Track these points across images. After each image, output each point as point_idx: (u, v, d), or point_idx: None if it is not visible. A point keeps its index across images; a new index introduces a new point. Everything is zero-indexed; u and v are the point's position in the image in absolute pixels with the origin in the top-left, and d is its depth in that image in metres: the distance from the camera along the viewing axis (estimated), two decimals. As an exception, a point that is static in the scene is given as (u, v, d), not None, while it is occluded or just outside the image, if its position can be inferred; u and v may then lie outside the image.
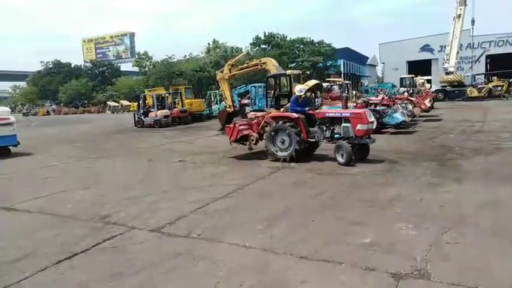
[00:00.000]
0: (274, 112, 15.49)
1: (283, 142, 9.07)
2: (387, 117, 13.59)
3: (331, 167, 8.17)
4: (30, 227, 5.25)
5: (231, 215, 5.37)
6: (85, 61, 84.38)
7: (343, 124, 8.60)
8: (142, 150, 12.88)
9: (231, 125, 10.28)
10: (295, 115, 8.96)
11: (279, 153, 9.06)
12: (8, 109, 14.70)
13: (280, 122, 9.09)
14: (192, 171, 8.81)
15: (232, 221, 5.07)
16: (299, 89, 9.71)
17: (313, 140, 9.09)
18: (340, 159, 8.34)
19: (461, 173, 7.15)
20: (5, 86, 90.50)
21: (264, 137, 9.47)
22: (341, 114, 8.76)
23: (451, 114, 20.33)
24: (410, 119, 14.88)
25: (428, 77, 41.00)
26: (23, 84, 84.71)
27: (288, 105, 10.92)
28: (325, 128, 8.95)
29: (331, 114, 8.97)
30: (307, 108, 9.28)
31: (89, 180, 8.13)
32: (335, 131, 8.80)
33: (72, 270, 3.80)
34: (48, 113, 61.28)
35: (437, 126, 15.36)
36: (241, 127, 10.02)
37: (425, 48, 53.80)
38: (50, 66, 77.12)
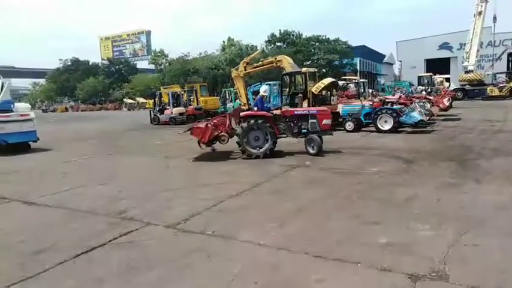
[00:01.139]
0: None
1: (257, 139, 9.44)
2: (404, 116, 13.37)
3: (346, 166, 8.10)
4: (50, 221, 5.36)
5: (245, 212, 5.37)
6: (102, 59, 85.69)
7: (310, 120, 9.74)
8: (158, 147, 13.02)
9: (202, 126, 9.97)
10: (268, 114, 9.65)
11: (254, 151, 9.37)
12: (28, 105, 15.07)
13: (259, 121, 9.40)
14: (206, 168, 8.85)
15: (246, 219, 5.07)
16: (264, 89, 10.64)
17: (283, 136, 9.92)
18: (311, 150, 9.49)
19: (481, 174, 6.98)
20: (25, 83, 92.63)
21: (238, 136, 9.48)
22: (308, 111, 10.09)
23: (471, 113, 19.87)
24: (428, 118, 14.60)
25: (447, 76, 40.27)
26: (42, 81, 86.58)
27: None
28: (292, 125, 9.89)
29: (299, 112, 10.15)
30: (272, 108, 10.36)
31: (105, 176, 8.26)
32: (302, 127, 9.84)
33: (90, 264, 3.87)
34: (66, 110, 62.53)
35: (456, 125, 15.04)
36: (212, 128, 9.92)
37: (444, 46, 52.72)
38: (69, 63, 78.55)
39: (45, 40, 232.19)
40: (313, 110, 10.28)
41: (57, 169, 9.48)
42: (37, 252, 4.19)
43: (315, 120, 9.72)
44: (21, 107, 13.92)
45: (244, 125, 9.39)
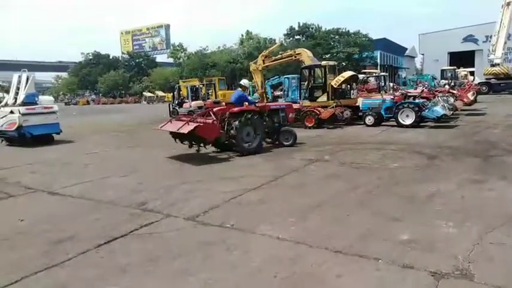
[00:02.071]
0: (308, 104, 15.41)
1: (248, 135, 9.26)
2: (427, 110, 13.06)
3: (366, 161, 7.98)
4: (73, 211, 5.49)
5: (264, 206, 5.36)
6: (122, 53, 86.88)
7: (281, 114, 10.39)
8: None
9: (209, 122, 8.87)
10: (257, 108, 9.72)
11: (246, 145, 9.19)
12: (52, 98, 15.45)
13: (250, 115, 9.23)
14: (225, 161, 8.88)
15: (265, 212, 5.07)
16: (247, 82, 10.91)
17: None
18: (286, 142, 10.13)
19: (507, 170, 6.75)
20: (48, 77, 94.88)
21: (232, 131, 8.99)
22: (280, 106, 10.86)
23: (496, 108, 19.24)
24: (451, 112, 14.23)
25: (472, 69, 39.06)
26: (64, 74, 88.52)
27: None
28: (267, 119, 10.16)
29: (274, 107, 10.66)
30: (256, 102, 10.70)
31: (126, 168, 8.40)
32: (275, 120, 10.29)
33: (112, 254, 3.94)
34: (88, 103, 63.79)
35: (480, 120, 14.59)
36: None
37: (469, 38, 50.99)
38: (90, 57, 80.00)
39: (67, 34, 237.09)
40: (283, 104, 11.36)
41: (79, 161, 9.69)
42: (61, 241, 4.29)
43: (284, 114, 10.43)
44: (45, 99, 14.28)
45: (236, 123, 8.96)
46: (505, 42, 33.23)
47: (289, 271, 3.44)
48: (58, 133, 13.32)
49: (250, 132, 9.32)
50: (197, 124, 8.53)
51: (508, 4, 32.13)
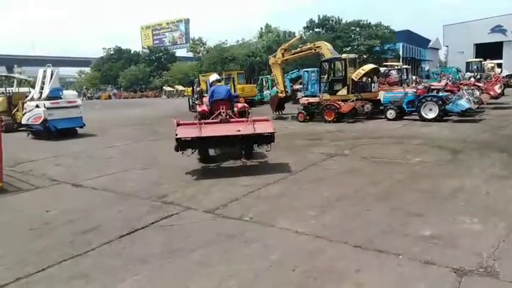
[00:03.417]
0: (327, 97, 15.23)
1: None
2: (451, 104, 12.70)
3: (386, 155, 7.85)
4: (96, 202, 5.63)
5: (283, 200, 5.36)
6: (143, 47, 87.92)
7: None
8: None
9: None
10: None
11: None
12: (75, 93, 15.84)
13: None
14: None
15: (284, 206, 5.06)
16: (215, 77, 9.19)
17: None
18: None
19: (536, 166, 6.52)
20: (72, 72, 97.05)
21: None
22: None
23: (524, 101, 18.55)
24: (477, 106, 13.79)
25: (499, 61, 37.69)
26: (87, 69, 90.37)
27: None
28: None
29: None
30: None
31: (147, 161, 8.54)
32: None
33: (133, 245, 4.03)
34: (109, 97, 65.00)
35: (507, 114, 14.12)
36: None
37: (496, 29, 49.11)
38: (111, 52, 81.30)
39: (90, 30, 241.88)
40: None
41: (101, 154, 9.91)
42: (85, 231, 4.42)
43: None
44: (69, 94, 14.66)
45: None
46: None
47: (308, 265, 3.43)
48: (81, 127, 13.64)
49: None
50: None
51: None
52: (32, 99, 13.81)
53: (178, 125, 7.09)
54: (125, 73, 72.18)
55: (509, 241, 3.71)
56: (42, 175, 7.46)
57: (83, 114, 13.76)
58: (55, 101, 12.99)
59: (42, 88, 13.64)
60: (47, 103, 12.73)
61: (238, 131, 6.89)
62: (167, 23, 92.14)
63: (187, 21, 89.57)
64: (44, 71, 13.71)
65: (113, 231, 4.34)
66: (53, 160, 9.19)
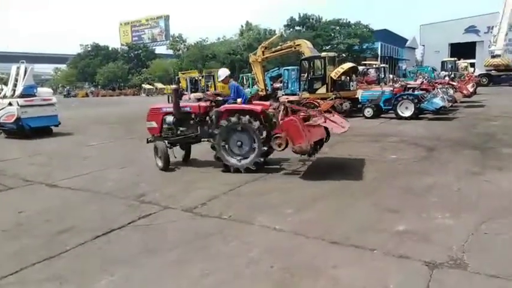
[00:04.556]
0: (307, 96, 15.37)
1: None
2: (426, 102, 13.05)
3: (364, 153, 7.99)
4: (71, 203, 5.52)
5: (263, 197, 5.38)
6: (121, 44, 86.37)
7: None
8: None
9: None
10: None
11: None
12: (50, 90, 15.40)
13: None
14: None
15: (263, 204, 5.09)
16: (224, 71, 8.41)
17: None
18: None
19: (504, 162, 6.79)
20: (48, 69, 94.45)
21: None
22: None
23: (496, 100, 19.23)
24: (450, 104, 14.22)
25: (472, 61, 38.90)
26: (63, 66, 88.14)
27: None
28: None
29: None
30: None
31: (125, 160, 8.42)
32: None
33: (110, 245, 3.97)
34: (87, 95, 63.66)
35: (479, 112, 14.60)
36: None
37: (471, 29, 50.75)
38: (89, 49, 79.59)
39: (66, 25, 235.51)
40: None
41: (78, 153, 9.70)
42: (59, 232, 4.32)
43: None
44: (44, 91, 14.25)
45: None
46: (506, 34, 33.09)
47: (286, 262, 3.46)
48: (57, 125, 13.31)
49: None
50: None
51: (511, -6, 31.91)
52: (5, 96, 13.36)
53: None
54: (103, 70, 70.80)
55: (478, 235, 3.85)
56: (15, 175, 7.25)
57: (58, 112, 13.42)
58: (29, 98, 12.64)
59: (15, 85, 13.21)
60: (21, 101, 12.36)
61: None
62: (147, 20, 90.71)
63: (167, 18, 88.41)
64: (18, 68, 13.29)
65: (88, 232, 4.26)
66: (26, 160, 8.94)
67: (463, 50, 45.90)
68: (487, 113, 14.11)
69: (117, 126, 15.93)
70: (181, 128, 7.37)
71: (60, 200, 5.67)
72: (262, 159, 6.74)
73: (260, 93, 18.32)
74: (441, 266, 3.25)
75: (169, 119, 7.33)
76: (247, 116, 6.55)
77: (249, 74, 26.63)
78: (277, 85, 25.02)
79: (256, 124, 6.54)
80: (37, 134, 12.42)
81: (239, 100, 7.27)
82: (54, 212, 5.09)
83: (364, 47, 50.28)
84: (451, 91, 15.68)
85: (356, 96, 15.48)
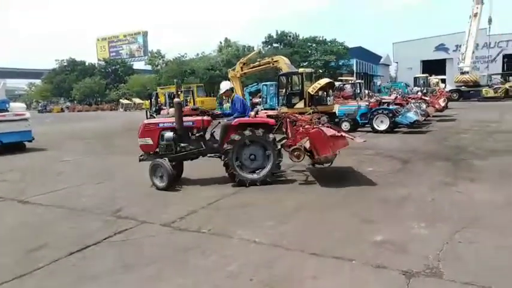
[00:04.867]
0: (285, 110, 15.52)
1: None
2: (400, 116, 13.45)
3: (342, 166, 8.11)
4: (44, 219, 5.34)
5: (242, 211, 5.37)
6: (99, 59, 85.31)
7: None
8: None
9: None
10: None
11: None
12: (23, 105, 15.00)
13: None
14: (203, 168, 8.82)
15: (243, 217, 5.07)
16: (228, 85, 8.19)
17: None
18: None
19: (476, 173, 7.03)
20: (22, 84, 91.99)
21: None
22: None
23: (466, 114, 19.99)
24: (423, 118, 14.70)
25: (443, 77, 40.44)
26: (38, 82, 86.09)
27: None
28: None
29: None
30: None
31: (101, 175, 8.23)
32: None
33: (84, 262, 3.86)
34: (62, 110, 62.24)
35: (451, 126, 15.12)
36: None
37: (440, 47, 52.87)
38: (65, 64, 78.20)
39: (41, 40, 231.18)
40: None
41: (52, 168, 9.43)
42: (32, 250, 4.17)
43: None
44: (17, 106, 13.86)
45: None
46: (473, 52, 34.71)
47: (265, 274, 3.45)
48: (30, 141, 12.92)
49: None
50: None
51: (475, 15, 33.64)
52: (-25, 112, 12.90)
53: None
54: (79, 85, 69.52)
55: (452, 244, 3.96)
56: (-15, 192, 6.97)
57: (32, 127, 13.06)
58: (1, 113, 12.26)
59: (-14, 100, 12.81)
60: (-8, 116, 11.97)
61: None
62: (124, 35, 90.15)
63: (145, 34, 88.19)
64: (-11, 83, 12.93)
65: (62, 249, 4.13)
66: (-3, 176, 8.62)
67: (434, 67, 47.76)
68: (458, 127, 14.64)
69: (94, 141, 15.60)
70: (181, 144, 6.92)
71: (33, 217, 5.48)
72: (278, 170, 6.87)
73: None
74: (418, 274, 3.32)
75: (169, 134, 6.81)
76: (260, 129, 6.61)
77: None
78: (256, 100, 25.20)
79: (271, 137, 6.70)
80: (9, 150, 12.02)
81: (252, 113, 7.31)
82: (26, 229, 4.91)
83: (340, 63, 51.51)
84: (423, 106, 16.22)
85: (333, 110, 15.75)
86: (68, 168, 9.41)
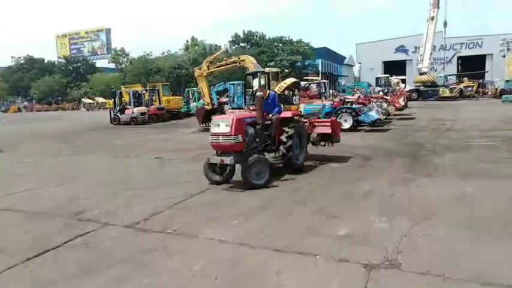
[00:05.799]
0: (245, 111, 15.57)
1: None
2: (362, 115, 13.87)
3: (306, 162, 8.25)
4: (0, 224, 5.07)
5: (207, 210, 5.35)
6: (59, 57, 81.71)
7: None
8: (118, 147, 12.64)
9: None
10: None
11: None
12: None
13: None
14: (169, 167, 8.72)
15: (209, 216, 5.06)
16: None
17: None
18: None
19: (432, 169, 7.38)
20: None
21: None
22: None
23: (424, 113, 20.91)
24: (384, 117, 15.23)
25: (403, 77, 42.06)
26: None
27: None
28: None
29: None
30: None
31: (63, 177, 7.93)
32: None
33: (43, 267, 3.71)
34: (19, 110, 59.16)
35: (410, 124, 15.77)
36: None
37: (400, 49, 54.99)
38: (22, 61, 74.41)
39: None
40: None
41: (10, 170, 8.99)
42: (-15, 257, 3.96)
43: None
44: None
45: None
46: (431, 53, 36.36)
47: (230, 272, 3.47)
48: (-17, 142, 12.21)
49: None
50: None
51: (432, 18, 35.26)
52: None
53: None
54: (38, 84, 66.34)
55: (410, 236, 4.14)
56: None
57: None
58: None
59: None
60: None
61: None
62: (86, 32, 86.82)
63: (108, 31, 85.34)
64: None
65: (18, 254, 3.95)
66: None
67: (394, 67, 49.58)
68: (416, 125, 15.29)
69: (55, 142, 14.95)
70: (257, 139, 6.86)
71: (-15, 222, 5.19)
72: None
73: (206, 107, 18.27)
74: (378, 267, 3.45)
75: (251, 130, 6.71)
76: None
77: (195, 88, 26.44)
78: (224, 99, 25.13)
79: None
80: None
81: (294, 107, 8.69)
82: (-22, 235, 4.64)
83: (306, 63, 52.31)
84: (384, 105, 16.81)
85: (299, 110, 15.98)
86: (27, 170, 8.99)
